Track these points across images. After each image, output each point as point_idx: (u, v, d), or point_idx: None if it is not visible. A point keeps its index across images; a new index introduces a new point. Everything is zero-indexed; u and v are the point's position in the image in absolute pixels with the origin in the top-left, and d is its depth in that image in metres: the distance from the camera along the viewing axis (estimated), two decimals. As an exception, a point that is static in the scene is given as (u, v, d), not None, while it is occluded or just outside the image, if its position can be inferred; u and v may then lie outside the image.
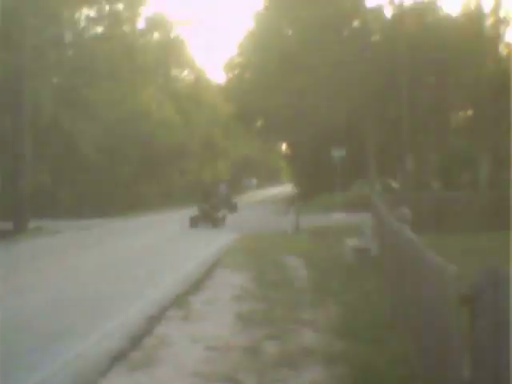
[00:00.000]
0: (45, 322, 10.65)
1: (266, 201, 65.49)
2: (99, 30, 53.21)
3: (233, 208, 37.81)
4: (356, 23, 43.46)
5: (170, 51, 66.05)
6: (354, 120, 41.87)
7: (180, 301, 12.06)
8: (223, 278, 14.84)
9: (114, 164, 47.69)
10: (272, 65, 42.52)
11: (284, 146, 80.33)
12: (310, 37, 38.94)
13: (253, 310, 11.14)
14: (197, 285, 13.86)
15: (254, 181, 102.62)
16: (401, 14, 39.55)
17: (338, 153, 33.86)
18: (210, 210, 30.61)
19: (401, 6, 39.74)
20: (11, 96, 33.18)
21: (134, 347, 8.87)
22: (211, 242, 23.69)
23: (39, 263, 19.10)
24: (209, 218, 30.17)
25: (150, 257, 20.03)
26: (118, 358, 8.38)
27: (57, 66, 40.01)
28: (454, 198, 25.22)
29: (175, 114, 58.50)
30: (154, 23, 63.02)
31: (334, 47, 38.05)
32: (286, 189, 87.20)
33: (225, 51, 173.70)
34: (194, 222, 30.06)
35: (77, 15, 49.20)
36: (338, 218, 31.01)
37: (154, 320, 10.56)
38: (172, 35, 67.57)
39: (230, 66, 57.20)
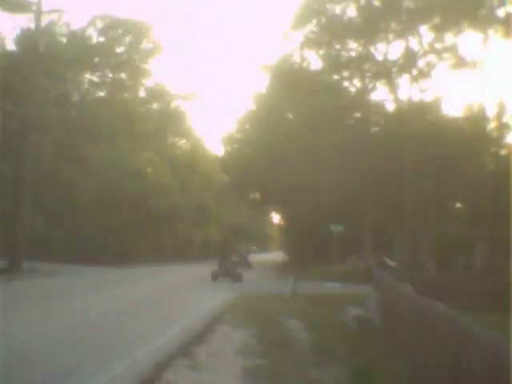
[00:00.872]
0: (50, 358, 10.46)
1: (258, 266, 65.55)
2: (102, 94, 54.86)
3: (248, 266, 41.10)
4: (358, 114, 44.70)
5: (169, 120, 68.10)
6: (353, 200, 42.83)
7: (185, 351, 11.76)
8: (225, 334, 14.54)
9: (109, 217, 48.42)
10: (273, 143, 43.76)
11: (277, 217, 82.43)
12: (313, 122, 40.13)
13: (258, 365, 10.88)
14: (200, 338, 13.55)
15: (255, 247, 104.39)
16: (407, 108, 40.75)
17: (336, 228, 36.13)
18: (231, 266, 33.98)
19: (409, 101, 40.98)
20: (14, 145, 34.05)
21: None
22: (212, 298, 23.72)
23: (37, 303, 19.16)
24: (229, 274, 33.10)
25: (149, 308, 19.82)
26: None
27: (59, 123, 40.61)
28: (451, 278, 25.17)
29: (171, 178, 59.83)
30: (155, 93, 64.87)
31: (336, 133, 39.27)
32: (274, 256, 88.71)
33: (223, 123, 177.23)
34: (215, 276, 33.03)
35: (80, 78, 50.44)
36: (333, 287, 31.25)
37: (162, 366, 10.27)
38: (172, 106, 69.67)
39: (228, 140, 59.39)
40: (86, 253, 45.18)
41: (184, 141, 75.55)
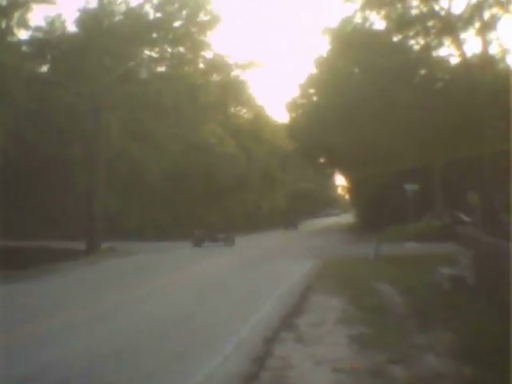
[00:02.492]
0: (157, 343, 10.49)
1: (330, 229, 66.25)
2: (162, 69, 55.02)
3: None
4: (423, 71, 43.71)
5: (230, 90, 67.69)
6: (425, 158, 42.02)
7: (287, 324, 11.66)
8: (320, 302, 14.40)
9: (179, 192, 49.18)
10: (340, 106, 43.28)
11: (342, 180, 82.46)
12: (380, 82, 39.36)
13: (362, 333, 10.66)
14: (297, 308, 13.45)
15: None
16: (475, 62, 39.64)
17: (410, 187, 35.23)
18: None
19: (476, 54, 39.91)
20: (84, 126, 34.42)
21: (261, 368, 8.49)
22: (295, 267, 23.65)
23: (126, 283, 19.42)
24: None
25: (236, 280, 19.88)
26: (249, 379, 8.03)
27: (125, 101, 40.99)
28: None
29: (236, 148, 60.14)
30: (214, 65, 64.53)
31: (404, 92, 38.49)
32: (342, 219, 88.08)
33: (284, 90, 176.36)
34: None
35: (141, 55, 50.66)
36: (412, 247, 30.67)
37: (270, 342, 10.19)
38: (232, 76, 69.28)
39: (293, 106, 60.02)
40: (158, 229, 45.83)
41: (245, 110, 75.25)
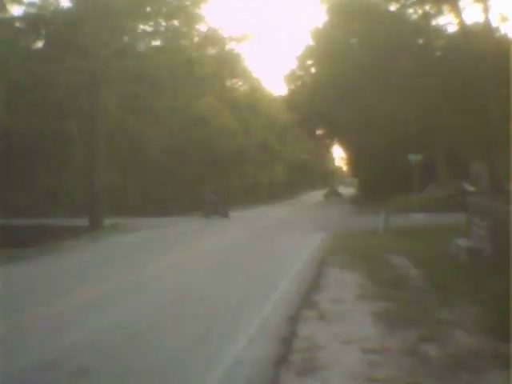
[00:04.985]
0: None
1: (334, 201, 66.01)
2: (157, 43, 54.33)
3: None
4: (421, 40, 43.15)
5: (225, 63, 67.13)
6: (427, 128, 41.62)
7: (307, 301, 11.26)
8: (336, 277, 14.00)
9: (178, 165, 49.21)
10: (339, 77, 42.87)
11: (340, 151, 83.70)
12: (378, 51, 38.89)
13: (385, 309, 10.24)
14: (315, 285, 13.04)
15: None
16: (474, 30, 39.15)
17: (414, 158, 34.81)
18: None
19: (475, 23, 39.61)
20: (82, 101, 34.23)
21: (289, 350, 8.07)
22: (305, 240, 23.32)
23: (139, 259, 19.08)
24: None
25: (247, 256, 19.33)
26: (279, 362, 7.61)
27: (122, 75, 40.35)
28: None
29: (234, 121, 59.92)
30: (209, 38, 63.87)
31: (403, 60, 38.10)
32: (342, 190, 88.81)
33: (279, 61, 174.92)
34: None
35: (135, 30, 49.95)
36: (418, 218, 30.30)
37: (293, 320, 9.78)
38: (227, 48, 68.63)
39: (291, 78, 60.42)
40: (159, 204, 45.52)
41: (241, 83, 74.65)
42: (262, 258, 18.61)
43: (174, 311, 11.17)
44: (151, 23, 51.32)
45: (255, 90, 74.15)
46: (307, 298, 11.51)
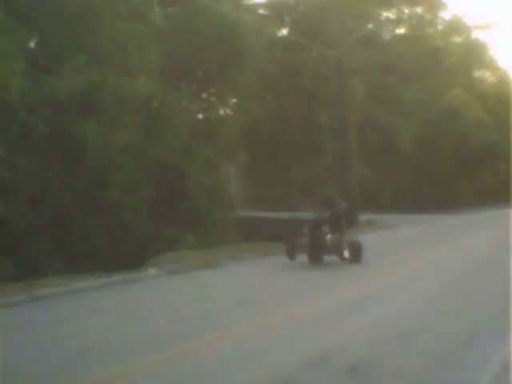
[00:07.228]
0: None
1: None
2: (401, 31, 52.20)
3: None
4: None
5: (471, 53, 63.00)
6: None
7: None
8: None
9: (429, 160, 47.01)
10: None
11: None
12: None
13: None
14: None
15: None
16: None
17: None
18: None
19: None
20: (330, 91, 33.18)
21: None
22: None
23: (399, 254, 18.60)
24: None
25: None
26: None
27: (366, 65, 38.52)
28: None
29: (483, 115, 55.95)
30: (452, 26, 60.32)
31: None
32: None
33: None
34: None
35: (379, 17, 48.27)
36: None
37: None
38: (472, 37, 64.40)
39: None
40: (412, 201, 44.03)
41: (489, 74, 69.67)
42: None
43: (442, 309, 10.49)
44: (394, 10, 49.37)
45: (504, 80, 68.52)
46: None
